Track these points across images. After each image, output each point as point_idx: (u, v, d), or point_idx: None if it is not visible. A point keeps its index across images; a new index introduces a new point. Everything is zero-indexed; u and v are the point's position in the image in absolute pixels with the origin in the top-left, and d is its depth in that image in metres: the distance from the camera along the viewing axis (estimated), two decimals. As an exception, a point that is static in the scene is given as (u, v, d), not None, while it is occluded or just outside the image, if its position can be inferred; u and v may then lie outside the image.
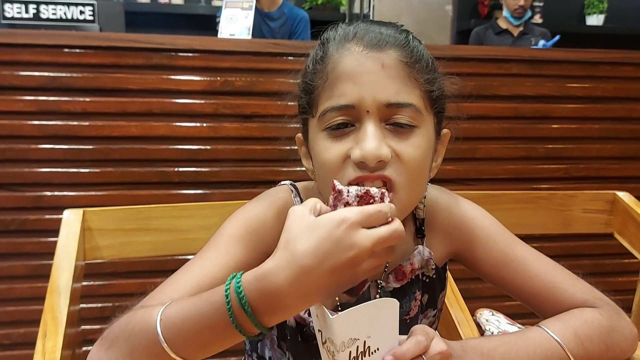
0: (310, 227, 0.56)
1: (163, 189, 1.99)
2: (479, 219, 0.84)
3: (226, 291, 0.59)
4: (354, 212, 0.55)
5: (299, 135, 0.81)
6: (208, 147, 2.02)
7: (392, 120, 0.70)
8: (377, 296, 0.82)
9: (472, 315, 1.06)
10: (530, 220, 1.41)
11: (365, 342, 0.56)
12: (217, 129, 2.02)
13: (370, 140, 0.67)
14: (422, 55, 0.74)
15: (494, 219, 0.85)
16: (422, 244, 0.84)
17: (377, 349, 0.57)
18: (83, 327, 1.12)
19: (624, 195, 1.42)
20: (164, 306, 0.63)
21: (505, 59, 2.22)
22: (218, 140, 2.03)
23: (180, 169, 2.00)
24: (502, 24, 3.38)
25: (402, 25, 0.77)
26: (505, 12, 3.37)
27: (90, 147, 1.94)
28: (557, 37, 2.90)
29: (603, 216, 1.43)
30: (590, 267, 2.33)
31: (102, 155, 1.94)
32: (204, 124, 2.01)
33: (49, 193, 1.92)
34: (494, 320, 1.04)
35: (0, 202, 1.89)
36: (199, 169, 2.02)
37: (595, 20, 4.45)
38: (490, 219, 0.85)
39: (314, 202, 0.59)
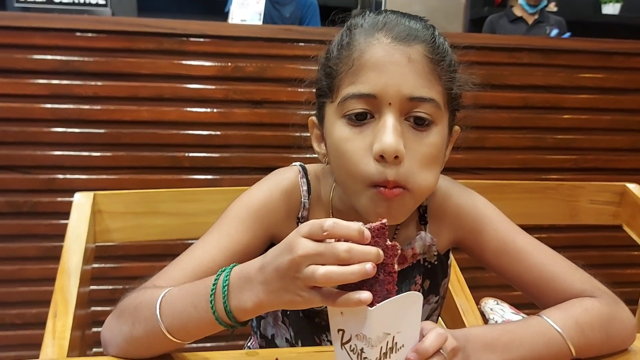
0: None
1: (173, 174, 2.01)
2: (481, 208, 0.85)
3: (217, 277, 0.62)
4: (315, 222, 0.56)
5: (312, 118, 0.82)
6: (218, 133, 2.03)
7: (412, 114, 0.71)
8: None
9: (477, 304, 1.07)
10: (537, 210, 1.41)
11: (394, 337, 0.56)
12: (227, 115, 2.03)
13: (389, 135, 0.68)
14: (447, 53, 0.75)
15: (496, 208, 0.86)
16: (425, 231, 0.85)
17: (403, 346, 0.58)
18: (93, 308, 1.14)
19: (634, 187, 1.42)
20: (167, 289, 0.68)
21: (517, 47, 2.21)
22: (228, 125, 2.04)
23: (191, 154, 2.02)
24: (517, 12, 3.35)
25: (429, 20, 0.78)
26: (520, 0, 3.34)
27: (102, 131, 1.95)
28: (568, 35, 2.88)
29: (611, 208, 1.43)
30: (598, 259, 2.33)
31: (113, 139, 1.96)
32: (215, 110, 2.02)
33: (61, 176, 1.94)
34: (498, 310, 1.05)
35: (12, 184, 1.91)
36: (209, 155, 2.04)
37: (611, 9, 4.40)
38: (492, 208, 0.86)
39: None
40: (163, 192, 1.15)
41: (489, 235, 0.83)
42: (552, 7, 4.33)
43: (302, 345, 0.85)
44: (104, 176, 1.97)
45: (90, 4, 2.19)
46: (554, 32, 2.90)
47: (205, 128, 2.02)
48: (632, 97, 2.31)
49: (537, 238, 0.84)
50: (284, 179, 0.84)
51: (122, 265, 1.96)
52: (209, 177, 2.02)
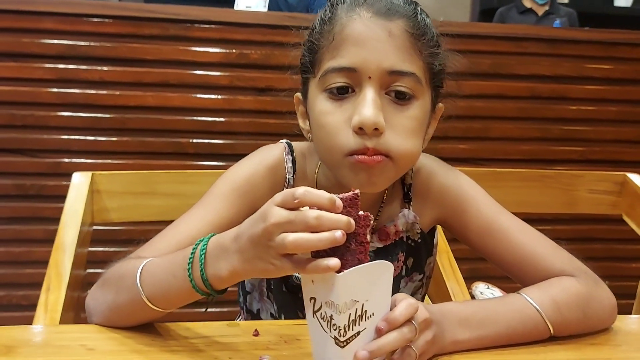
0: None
1: (178, 160, 2.03)
2: (465, 187, 0.86)
3: (195, 246, 0.64)
4: (287, 191, 0.57)
5: (298, 94, 0.83)
6: (223, 119, 2.05)
7: (392, 87, 0.72)
8: None
9: (469, 289, 1.07)
10: (535, 199, 1.40)
11: (363, 305, 0.57)
12: (231, 102, 2.04)
13: (369, 107, 0.69)
14: (429, 28, 0.76)
15: (481, 188, 0.86)
16: (409, 208, 0.86)
17: (372, 314, 0.58)
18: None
19: (635, 177, 1.41)
20: (149, 259, 0.69)
21: (523, 37, 2.20)
22: (233, 112, 2.05)
23: (195, 140, 2.03)
24: (527, 3, 3.33)
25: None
26: (528, -9, 3.32)
27: (108, 115, 1.98)
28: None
29: (611, 197, 1.42)
30: (600, 252, 2.32)
31: (118, 124, 1.98)
32: (219, 96, 2.04)
33: (67, 159, 1.97)
34: (489, 294, 1.05)
35: (20, 167, 1.94)
36: (213, 141, 2.05)
37: (623, 1, 4.35)
38: (476, 188, 0.86)
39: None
40: (161, 173, 1.16)
41: (472, 214, 0.83)
42: (564, -1, 4.30)
43: (285, 318, 0.86)
44: (109, 160, 1.99)
45: (98, -10, 2.21)
46: (556, 23, 2.87)
47: (209, 114, 2.04)
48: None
49: (538, 230, 0.84)
50: (269, 155, 0.85)
51: (125, 249, 1.98)
52: (213, 163, 2.04)
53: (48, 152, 1.96)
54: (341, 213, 0.56)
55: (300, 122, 0.83)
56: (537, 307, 0.71)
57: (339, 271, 0.55)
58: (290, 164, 0.84)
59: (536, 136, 2.26)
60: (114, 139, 1.99)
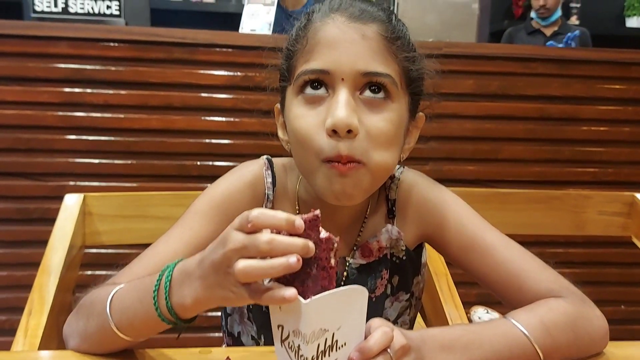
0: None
1: (182, 182, 2.02)
2: (450, 203, 0.83)
3: (162, 272, 0.61)
4: (244, 214, 0.55)
5: (277, 105, 0.82)
6: (227, 142, 2.03)
7: (366, 89, 0.70)
8: (345, 273, 0.81)
9: (467, 313, 1.03)
10: (542, 220, 1.37)
11: (334, 334, 0.53)
12: (236, 124, 2.03)
13: (342, 109, 0.68)
14: (404, 33, 0.75)
15: (466, 204, 0.84)
16: (392, 224, 0.83)
17: (345, 344, 0.54)
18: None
19: (644, 198, 1.36)
20: (121, 285, 0.67)
21: (531, 58, 2.17)
22: (237, 135, 2.04)
23: (199, 163, 2.02)
24: (535, 24, 3.31)
25: (389, 7, 0.78)
26: (532, 13, 3.31)
27: (112, 138, 1.97)
28: (577, 33, 2.82)
29: (620, 219, 1.38)
30: (615, 276, 2.26)
31: (123, 147, 1.98)
32: (224, 119, 2.03)
33: (71, 183, 1.96)
34: (487, 319, 1.01)
35: (24, 191, 1.94)
36: (217, 163, 2.04)
37: (635, 22, 4.30)
38: (462, 204, 0.84)
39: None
40: (153, 195, 1.15)
41: (455, 230, 0.81)
42: (574, 20, 4.26)
43: (265, 340, 0.84)
44: (114, 183, 1.98)
45: (104, 15, 2.23)
46: (568, 35, 2.85)
47: (214, 137, 2.03)
48: (653, 109, 2.24)
49: (550, 253, 0.81)
50: (248, 171, 0.84)
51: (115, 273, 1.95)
52: (217, 185, 2.01)
53: (52, 176, 1.95)
54: (300, 236, 0.53)
55: (280, 133, 0.82)
56: (525, 331, 0.68)
57: (306, 297, 0.52)
58: (270, 179, 0.83)
59: (547, 158, 2.21)
60: (119, 162, 1.98)
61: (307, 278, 0.53)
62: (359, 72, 0.69)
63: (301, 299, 0.51)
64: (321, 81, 0.71)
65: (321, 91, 0.71)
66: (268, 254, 0.52)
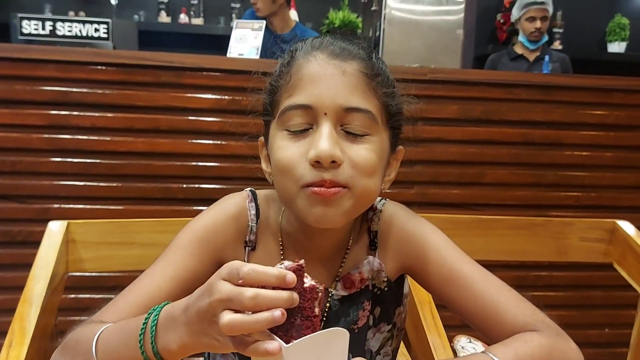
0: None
1: (167, 205, 2.01)
2: (429, 235, 0.84)
3: (147, 316, 0.62)
4: (234, 265, 0.55)
5: (261, 138, 0.84)
6: (214, 164, 2.04)
7: (347, 124, 0.73)
8: (327, 304, 0.82)
9: (450, 342, 1.04)
10: (525, 247, 1.38)
11: None
12: (223, 147, 2.04)
13: (325, 141, 0.70)
14: (383, 70, 0.78)
15: (446, 237, 0.85)
16: (374, 256, 0.84)
17: None
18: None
19: (624, 224, 1.38)
20: (106, 326, 0.68)
21: (514, 83, 2.20)
22: (224, 158, 2.05)
23: (185, 185, 2.02)
24: (518, 50, 3.35)
25: (367, 45, 0.80)
26: (521, 37, 3.34)
27: (98, 161, 1.97)
28: (546, 58, 2.90)
29: (602, 245, 1.40)
30: (599, 299, 2.28)
31: (108, 170, 1.98)
32: (210, 142, 2.03)
33: (56, 205, 1.95)
34: (470, 348, 1.01)
35: (8, 213, 1.93)
36: (203, 186, 2.04)
37: (617, 47, 4.39)
38: (440, 236, 0.85)
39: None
40: (138, 222, 1.14)
41: (435, 262, 0.82)
42: (557, 45, 4.33)
43: None
44: (98, 206, 1.97)
45: (92, 37, 2.24)
46: (544, 65, 2.90)
47: (200, 160, 2.03)
48: (635, 134, 2.28)
49: (534, 276, 0.82)
50: (230, 203, 0.85)
51: (97, 296, 1.94)
52: (203, 208, 2.00)
53: (37, 198, 1.94)
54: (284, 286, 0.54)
55: (263, 165, 0.83)
56: None
57: (285, 329, 0.52)
58: (253, 211, 0.84)
59: (530, 182, 2.24)
60: (104, 184, 1.98)
61: (290, 327, 0.54)
62: (341, 107, 0.72)
63: (283, 343, 0.52)
64: (304, 117, 0.72)
65: (305, 127, 0.73)
66: (253, 309, 0.52)
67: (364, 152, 0.72)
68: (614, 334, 2.29)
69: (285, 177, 0.73)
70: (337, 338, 0.54)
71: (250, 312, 0.53)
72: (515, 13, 3.38)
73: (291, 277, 0.53)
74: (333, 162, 0.70)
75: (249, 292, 0.52)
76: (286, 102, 0.74)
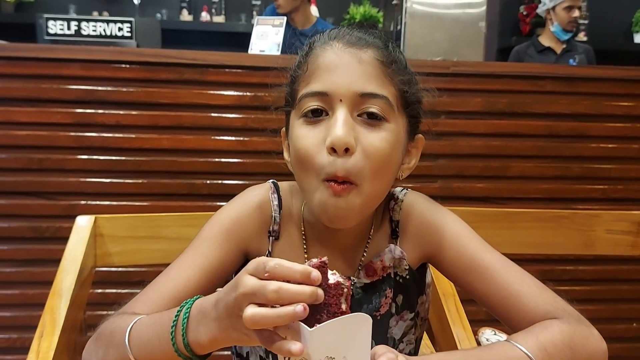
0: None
1: (192, 201, 2.03)
2: (450, 224, 0.85)
3: (179, 310, 0.64)
4: (260, 260, 0.56)
5: (283, 129, 0.85)
6: (237, 161, 2.05)
7: (363, 109, 0.73)
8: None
9: (475, 334, 1.03)
10: (550, 240, 1.37)
11: None
12: (245, 143, 2.05)
13: (339, 128, 0.71)
14: (399, 58, 0.79)
15: (467, 226, 0.85)
16: (396, 244, 0.85)
17: None
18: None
19: (653, 216, 1.36)
20: (139, 318, 0.69)
21: (539, 75, 2.18)
22: (247, 154, 2.06)
23: (209, 182, 2.04)
24: (545, 42, 3.29)
25: (384, 34, 0.81)
26: (554, 28, 3.26)
27: (123, 158, 2.00)
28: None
29: (629, 238, 1.38)
30: (627, 293, 2.24)
31: (134, 166, 2.00)
32: (233, 138, 2.05)
33: (83, 202, 1.99)
34: (495, 340, 1.01)
35: (36, 210, 1.96)
36: (227, 182, 2.06)
37: (643, 37, 4.31)
38: (462, 225, 0.85)
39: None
40: (164, 216, 1.16)
41: (456, 251, 0.82)
42: (582, 36, 4.26)
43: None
44: (125, 202, 2.00)
45: (116, 37, 2.27)
46: (570, 62, 2.85)
47: (223, 156, 2.05)
48: (662, 126, 2.24)
49: (560, 270, 0.82)
50: (254, 195, 0.86)
51: (124, 291, 1.97)
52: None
53: (64, 195, 1.98)
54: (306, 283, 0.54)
55: (285, 155, 0.84)
56: (523, 349, 0.69)
57: (312, 325, 0.53)
58: (276, 202, 0.85)
59: (556, 175, 2.21)
60: (130, 181, 2.01)
61: (316, 324, 0.54)
62: (356, 93, 0.73)
63: (307, 327, 0.52)
64: (322, 108, 0.74)
65: (322, 116, 0.74)
66: (276, 302, 0.53)
67: (377, 142, 0.73)
68: (643, 329, 2.26)
69: (305, 167, 0.74)
70: (361, 323, 0.55)
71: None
72: (547, 2, 3.31)
73: (316, 274, 0.54)
74: (347, 149, 0.71)
75: (273, 284, 0.53)
76: (303, 90, 0.75)
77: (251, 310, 0.53)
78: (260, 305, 0.54)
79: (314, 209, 0.75)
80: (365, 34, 0.77)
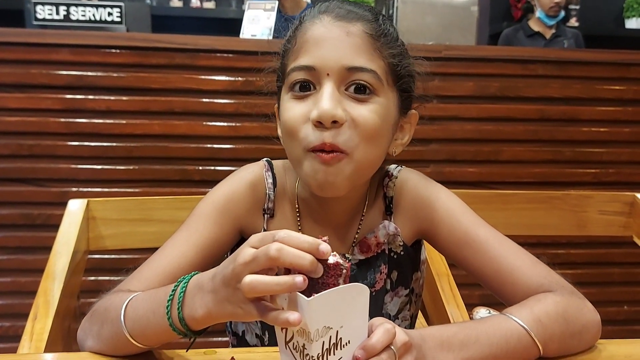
0: None
1: (184, 187, 2.03)
2: (443, 200, 0.85)
3: (176, 284, 0.63)
4: (264, 235, 0.56)
5: (276, 105, 0.84)
6: (228, 146, 2.04)
7: (350, 83, 0.73)
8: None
9: (469, 314, 1.04)
10: (543, 221, 1.37)
11: (337, 332, 0.54)
12: (237, 129, 2.04)
13: (326, 101, 0.70)
14: (389, 31, 0.78)
15: (461, 201, 0.86)
16: (390, 220, 0.85)
17: (349, 342, 0.55)
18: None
19: (645, 197, 1.37)
20: (135, 294, 0.69)
21: (531, 59, 2.18)
22: (238, 139, 2.05)
23: (201, 167, 2.03)
24: (534, 26, 3.29)
25: (376, 9, 0.81)
26: (539, 13, 3.28)
27: (114, 144, 1.98)
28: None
29: (621, 218, 1.38)
30: (619, 276, 2.26)
31: (125, 152, 1.99)
32: (225, 123, 2.04)
33: (74, 189, 1.97)
34: (490, 318, 1.01)
35: (27, 197, 1.95)
36: (219, 168, 2.05)
37: (635, 23, 4.30)
38: (455, 201, 0.85)
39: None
40: (157, 199, 1.15)
41: (450, 225, 0.83)
42: (574, 22, 4.26)
43: (269, 338, 0.85)
44: (116, 189, 1.99)
45: (106, 22, 2.24)
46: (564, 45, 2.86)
47: (215, 142, 2.04)
48: (653, 109, 2.25)
49: (552, 254, 0.82)
50: (248, 172, 0.86)
51: (117, 278, 1.96)
52: (219, 190, 2.02)
53: (55, 182, 1.96)
54: None
55: (279, 131, 0.84)
56: (518, 320, 0.69)
57: (309, 295, 0.52)
58: (270, 180, 0.85)
59: (547, 159, 2.22)
60: (121, 167, 1.99)
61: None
62: (344, 67, 0.72)
63: (304, 296, 0.52)
64: (309, 81, 0.73)
65: (310, 90, 0.74)
66: (276, 263, 0.53)
67: (366, 113, 0.73)
68: (633, 311, 2.28)
69: (292, 139, 0.74)
70: (358, 293, 0.55)
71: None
72: None
73: (325, 247, 0.53)
74: (334, 122, 0.70)
75: (275, 244, 0.53)
76: (292, 64, 0.75)
77: (250, 277, 0.53)
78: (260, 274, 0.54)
79: (304, 178, 0.75)
80: (355, 7, 0.77)
